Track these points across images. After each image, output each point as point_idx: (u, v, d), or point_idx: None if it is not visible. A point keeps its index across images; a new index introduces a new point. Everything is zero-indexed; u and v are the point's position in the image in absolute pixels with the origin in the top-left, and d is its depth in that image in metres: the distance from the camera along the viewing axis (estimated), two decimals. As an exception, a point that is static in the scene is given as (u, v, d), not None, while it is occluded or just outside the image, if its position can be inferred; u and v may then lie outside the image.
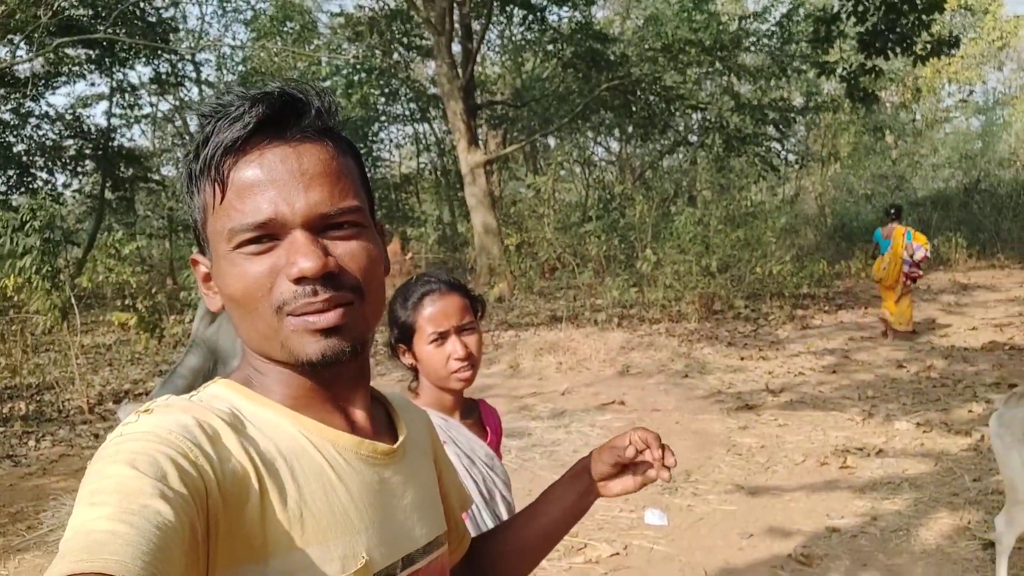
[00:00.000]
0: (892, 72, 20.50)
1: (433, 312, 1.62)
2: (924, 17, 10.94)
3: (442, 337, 1.62)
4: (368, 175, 0.89)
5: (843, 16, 11.54)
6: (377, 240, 0.83)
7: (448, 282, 1.68)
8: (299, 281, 0.75)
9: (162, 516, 0.61)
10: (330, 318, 0.76)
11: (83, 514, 0.61)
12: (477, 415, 1.80)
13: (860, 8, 11.02)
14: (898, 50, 11.29)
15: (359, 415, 0.87)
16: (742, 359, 8.49)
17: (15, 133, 17.73)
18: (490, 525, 1.62)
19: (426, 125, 21.46)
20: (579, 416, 6.53)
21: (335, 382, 0.84)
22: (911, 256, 8.90)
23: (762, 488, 4.77)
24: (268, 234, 0.76)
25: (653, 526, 4.29)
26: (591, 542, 4.04)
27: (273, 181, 0.76)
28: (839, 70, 12.49)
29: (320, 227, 0.77)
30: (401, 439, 0.90)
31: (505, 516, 1.68)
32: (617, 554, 3.95)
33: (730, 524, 4.25)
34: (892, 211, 9.50)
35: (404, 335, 1.67)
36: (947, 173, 23.21)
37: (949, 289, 12.58)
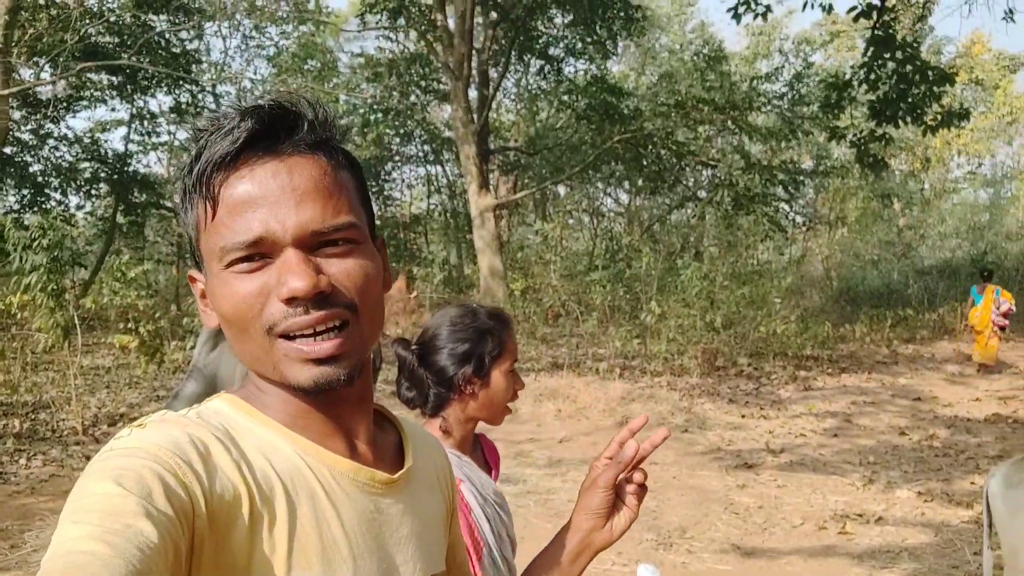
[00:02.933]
0: (902, 140, 20.73)
1: (514, 341, 1.64)
2: (935, 88, 11.09)
3: (514, 368, 1.64)
4: (375, 206, 0.89)
5: (855, 83, 11.71)
6: (375, 255, 0.80)
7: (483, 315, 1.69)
8: (290, 301, 0.73)
9: (145, 536, 0.59)
10: (325, 348, 0.74)
11: (66, 532, 0.60)
12: (480, 451, 1.78)
13: (872, 76, 11.18)
14: (908, 119, 11.41)
15: (360, 439, 0.84)
16: (743, 417, 8.42)
17: (32, 153, 17.93)
18: (500, 565, 1.59)
19: (439, 167, 21.69)
20: (576, 465, 6.45)
21: (335, 405, 0.81)
22: (998, 308, 11.23)
23: (758, 550, 4.69)
24: (259, 253, 0.74)
25: (646, 582, 4.20)
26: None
27: (264, 198, 0.74)
28: (850, 135, 12.62)
29: (313, 244, 0.75)
30: (405, 469, 0.87)
31: (510, 555, 1.64)
32: (608, 609, 3.86)
33: (725, 584, 4.17)
34: (985, 273, 11.97)
35: (482, 362, 1.58)
36: (954, 243, 23.27)
37: (953, 359, 12.51)
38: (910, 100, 11.26)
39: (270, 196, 0.74)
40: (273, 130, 0.75)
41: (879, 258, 21.67)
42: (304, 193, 0.75)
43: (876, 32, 10.77)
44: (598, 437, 7.47)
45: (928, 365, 11.83)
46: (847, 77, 12.06)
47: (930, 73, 11.02)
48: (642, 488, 1.05)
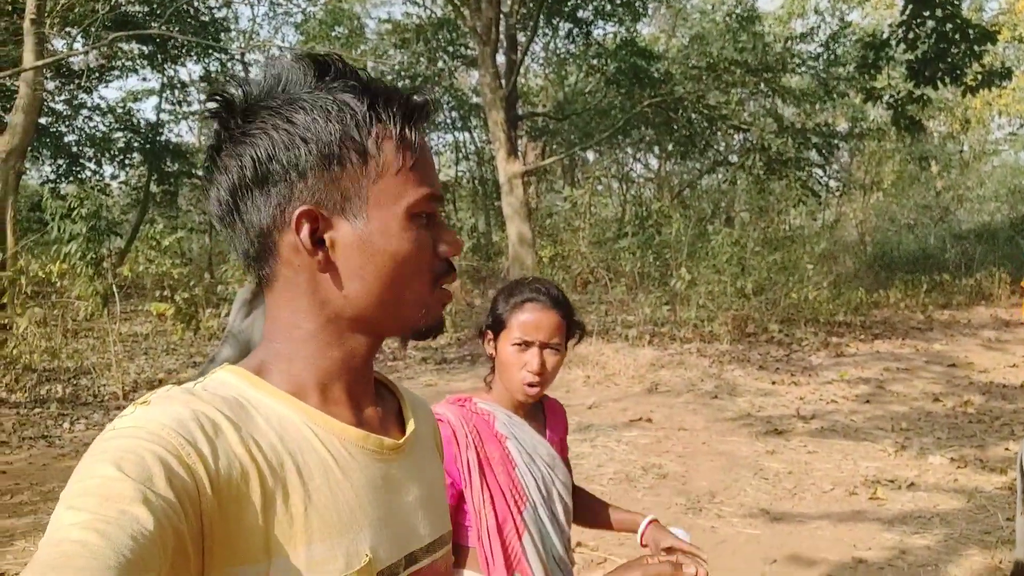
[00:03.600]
0: (941, 101, 20.18)
1: (528, 319, 1.66)
2: (976, 47, 10.77)
3: (526, 345, 1.66)
4: None
5: (892, 43, 11.40)
6: None
7: (555, 298, 1.71)
8: (448, 258, 0.83)
9: (140, 523, 0.59)
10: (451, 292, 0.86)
11: (61, 517, 0.60)
12: (541, 416, 1.83)
13: (910, 35, 10.88)
14: (948, 80, 11.11)
15: (367, 407, 0.85)
16: (773, 383, 8.38)
17: (67, 124, 18.18)
18: (546, 523, 1.66)
19: (466, 134, 21.60)
20: (605, 431, 6.49)
21: (365, 367, 0.84)
22: None
23: (788, 514, 4.70)
24: (437, 211, 0.83)
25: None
26: (611, 557, 4.01)
27: (430, 164, 0.83)
28: (886, 97, 12.32)
29: None
30: (408, 433, 0.88)
31: (562, 516, 1.71)
32: (637, 571, 3.91)
33: (753, 549, 4.19)
34: None
35: (496, 325, 1.71)
36: (993, 207, 22.71)
37: (990, 324, 12.30)
38: (950, 60, 10.94)
39: (431, 164, 0.84)
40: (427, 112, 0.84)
41: (915, 222, 21.26)
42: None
43: (915, -11, 10.46)
44: (627, 403, 7.50)
45: (964, 331, 11.64)
46: (884, 36, 11.74)
47: (971, 31, 10.69)
48: None
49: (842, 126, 20.27)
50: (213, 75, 19.27)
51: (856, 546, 4.21)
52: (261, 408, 0.76)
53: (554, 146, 20.22)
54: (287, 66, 0.78)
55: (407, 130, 0.79)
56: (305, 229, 0.76)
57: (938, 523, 4.53)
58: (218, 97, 0.78)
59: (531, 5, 15.21)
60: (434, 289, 0.82)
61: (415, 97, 0.81)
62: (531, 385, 1.67)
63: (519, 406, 1.75)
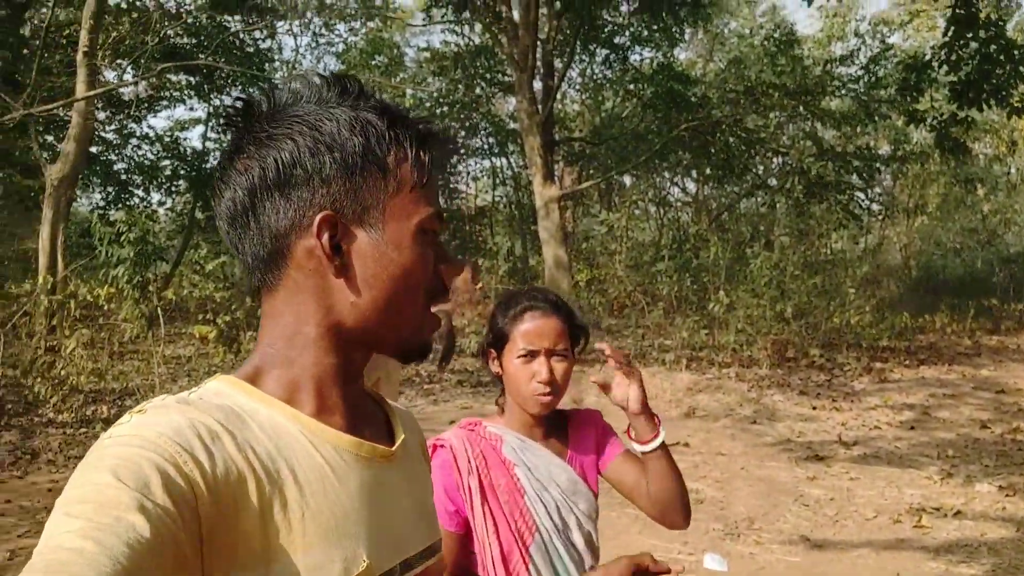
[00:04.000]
0: (986, 123, 19.79)
1: (529, 328, 1.61)
2: (1021, 68, 10.57)
3: (531, 355, 1.60)
4: (442, 200, 0.99)
5: (935, 64, 11.25)
6: None
7: (554, 303, 1.66)
8: (444, 280, 0.85)
9: (136, 531, 0.59)
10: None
11: (56, 525, 0.60)
12: (564, 435, 1.72)
13: (953, 57, 10.73)
14: (992, 101, 10.91)
15: (359, 415, 0.86)
16: (814, 408, 8.23)
17: (117, 152, 18.73)
18: (561, 553, 1.58)
19: (503, 159, 21.76)
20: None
21: (356, 378, 0.86)
22: None
23: (829, 542, 4.60)
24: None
25: (712, 571, 4.17)
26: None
27: (437, 188, 0.87)
28: (929, 119, 12.14)
29: None
30: (399, 441, 0.88)
31: (581, 545, 1.61)
32: (673, 597, 3.85)
33: (793, 576, 4.11)
34: None
35: (497, 341, 1.66)
36: (1043, 230, 22.12)
37: (1041, 350, 11.95)
38: (994, 81, 10.75)
39: (437, 188, 0.88)
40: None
41: (961, 246, 20.78)
42: None
43: (958, 11, 10.33)
44: (664, 427, 7.41)
45: (1013, 357, 11.32)
46: (927, 58, 11.60)
47: (1016, 52, 10.50)
48: None
49: (884, 149, 19.99)
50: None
51: (899, 575, 4.10)
52: (256, 416, 0.76)
53: (591, 171, 20.26)
54: (313, 81, 0.82)
55: (422, 152, 0.83)
56: (326, 235, 0.78)
57: (986, 552, 4.39)
58: (243, 100, 0.81)
59: (568, 32, 15.36)
60: (427, 308, 0.84)
61: (430, 125, 0.85)
62: (543, 396, 1.60)
63: (535, 425, 1.67)
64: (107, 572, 0.55)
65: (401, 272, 0.80)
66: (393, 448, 0.86)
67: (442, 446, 1.62)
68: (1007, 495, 5.38)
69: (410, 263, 0.81)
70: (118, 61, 13.59)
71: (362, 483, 0.80)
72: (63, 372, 8.30)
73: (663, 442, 1.64)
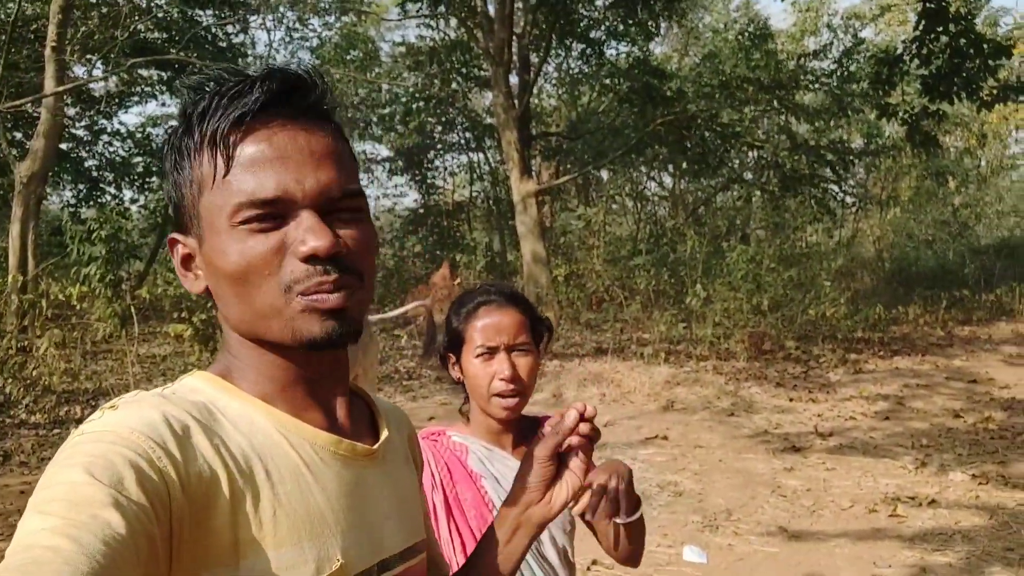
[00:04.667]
0: (957, 116, 20.06)
1: (486, 324, 1.49)
2: (991, 62, 10.71)
3: (491, 352, 1.48)
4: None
5: (906, 58, 11.37)
6: (374, 227, 0.83)
7: (509, 295, 1.55)
8: (308, 260, 0.73)
9: (112, 528, 0.58)
10: (336, 299, 0.74)
11: (30, 523, 0.59)
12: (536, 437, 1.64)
13: (924, 51, 10.85)
14: (963, 95, 11.05)
15: (339, 412, 0.84)
16: (791, 400, 8.31)
17: (87, 149, 18.45)
18: (535, 570, 1.48)
19: (480, 154, 21.71)
20: (620, 449, 6.45)
21: (318, 374, 0.81)
22: None
23: (806, 532, 4.65)
24: (274, 212, 0.74)
25: (692, 563, 4.20)
26: None
27: (283, 159, 0.74)
28: (901, 113, 12.27)
29: (327, 209, 0.76)
30: (382, 439, 0.87)
31: (554, 559, 1.52)
32: (653, 589, 3.87)
33: (771, 567, 4.14)
34: None
35: (453, 343, 1.56)
36: (1012, 222, 22.51)
37: (1011, 340, 12.15)
38: (964, 74, 10.89)
39: (289, 158, 0.75)
40: (288, 95, 0.77)
41: (933, 238, 21.08)
42: (322, 158, 0.76)
43: (928, 5, 10.44)
44: (642, 421, 7.46)
45: (985, 347, 11.51)
46: (898, 52, 11.72)
47: (985, 46, 10.64)
48: (587, 449, 0.96)
49: (857, 142, 20.21)
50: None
51: (876, 564, 4.15)
52: (229, 412, 0.76)
53: (568, 165, 20.28)
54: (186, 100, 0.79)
55: (216, 136, 0.75)
56: (175, 255, 0.81)
57: (960, 540, 4.46)
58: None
59: (544, 26, 15.34)
60: (289, 297, 0.74)
61: (238, 97, 0.75)
62: (507, 396, 1.48)
63: (503, 431, 1.55)
64: (84, 570, 0.55)
65: (232, 273, 0.75)
66: (375, 447, 0.84)
67: None
68: (980, 483, 5.47)
69: (229, 265, 0.75)
70: (87, 56, 13.36)
71: (340, 481, 0.79)
72: (35, 372, 8.17)
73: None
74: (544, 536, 1.50)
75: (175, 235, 0.81)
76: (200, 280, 0.80)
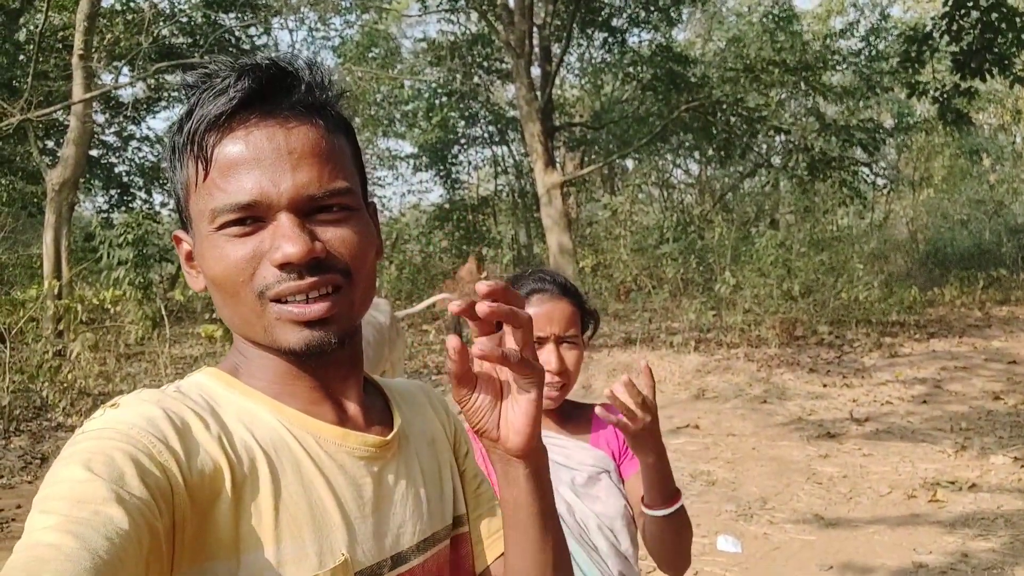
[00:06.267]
0: (990, 93, 19.62)
1: (538, 313, 1.45)
2: (1023, 36, 10.43)
3: (539, 342, 1.44)
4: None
5: (936, 35, 11.11)
6: (368, 222, 0.79)
7: (562, 285, 1.53)
8: (283, 267, 0.72)
9: (114, 523, 0.58)
10: (316, 310, 0.73)
11: (34, 521, 0.59)
12: (581, 422, 1.57)
13: (954, 27, 10.59)
14: (995, 71, 10.78)
15: (351, 406, 0.83)
16: (824, 386, 8.18)
17: (117, 155, 18.72)
18: (583, 558, 1.43)
19: (504, 148, 21.67)
20: (652, 439, 6.39)
21: (324, 370, 0.80)
22: None
23: (843, 519, 4.57)
24: (252, 216, 0.73)
25: (726, 553, 4.15)
26: (660, 566, 3.93)
27: (259, 160, 0.72)
28: (932, 91, 12.00)
29: (308, 210, 0.73)
30: (396, 428, 0.85)
31: (604, 548, 1.46)
32: (687, 580, 3.83)
33: (808, 555, 4.08)
34: None
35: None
36: (1050, 199, 21.95)
37: (1052, 319, 11.86)
38: (996, 50, 10.62)
39: (265, 159, 0.72)
40: (270, 90, 0.74)
41: (969, 217, 20.64)
42: (300, 157, 0.73)
43: (957, -21, 10.19)
44: (673, 410, 7.39)
45: (1022, 327, 11.25)
46: (927, 29, 11.46)
47: (1018, 20, 10.36)
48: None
49: (888, 122, 19.83)
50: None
51: (916, 550, 4.06)
52: (232, 407, 0.76)
53: (592, 155, 20.17)
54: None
55: (197, 137, 0.73)
56: (181, 252, 0.82)
57: (1002, 525, 4.35)
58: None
59: (564, 16, 15.24)
60: (264, 305, 0.73)
61: (219, 95, 0.72)
62: (550, 387, 1.45)
63: (544, 416, 1.49)
64: (87, 566, 0.54)
65: (213, 279, 0.75)
66: (388, 437, 0.83)
67: None
68: (1022, 466, 5.33)
69: (211, 265, 0.74)
70: (114, 63, 13.54)
71: (346, 475, 0.78)
72: (71, 376, 8.31)
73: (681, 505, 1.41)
74: (591, 522, 1.46)
75: (178, 233, 0.82)
76: (200, 279, 0.80)
